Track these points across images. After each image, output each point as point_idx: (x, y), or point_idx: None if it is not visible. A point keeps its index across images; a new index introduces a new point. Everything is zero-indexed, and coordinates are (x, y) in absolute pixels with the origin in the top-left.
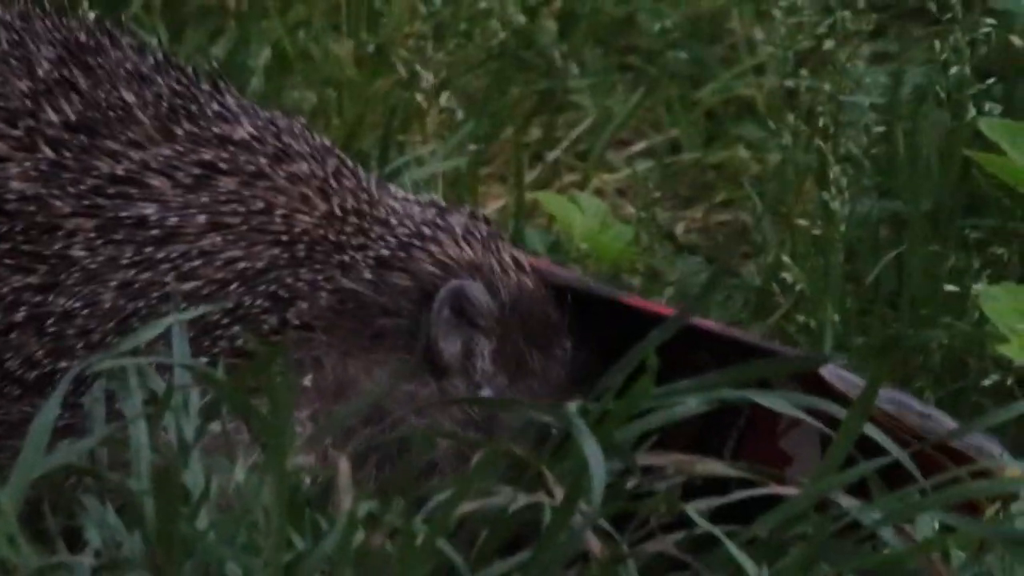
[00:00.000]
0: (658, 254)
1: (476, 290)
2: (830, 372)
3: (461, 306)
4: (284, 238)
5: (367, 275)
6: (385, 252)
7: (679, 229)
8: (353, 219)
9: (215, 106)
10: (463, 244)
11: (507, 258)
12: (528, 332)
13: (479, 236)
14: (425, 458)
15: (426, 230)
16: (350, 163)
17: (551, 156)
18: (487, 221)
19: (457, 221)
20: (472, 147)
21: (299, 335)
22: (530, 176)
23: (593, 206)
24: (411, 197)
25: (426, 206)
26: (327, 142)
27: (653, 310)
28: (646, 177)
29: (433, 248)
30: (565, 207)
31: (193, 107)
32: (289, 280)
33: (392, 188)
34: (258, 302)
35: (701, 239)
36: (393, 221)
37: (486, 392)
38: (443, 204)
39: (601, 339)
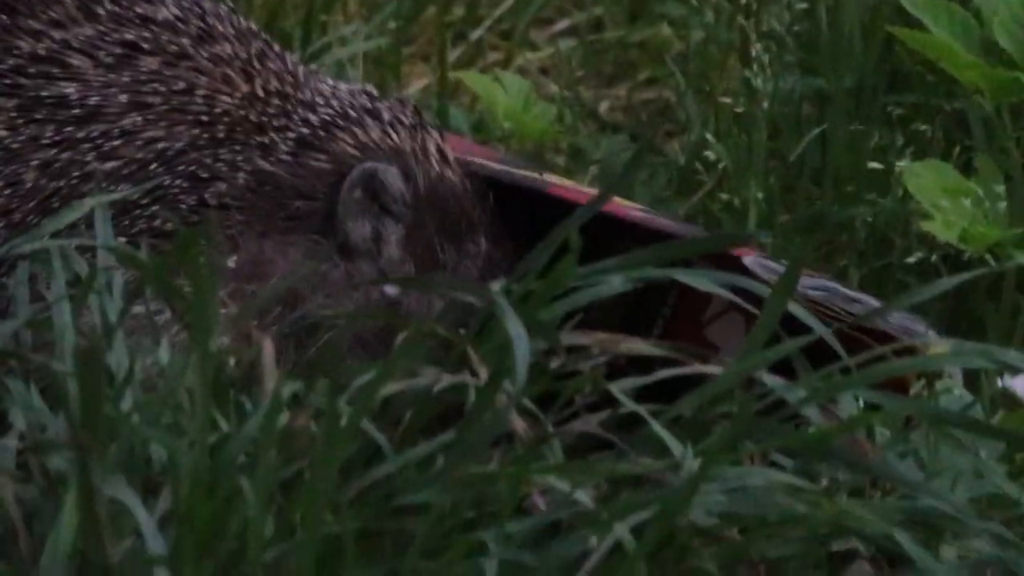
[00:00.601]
0: (582, 132)
1: (390, 174)
2: (753, 262)
3: (374, 189)
4: (204, 118)
5: (285, 156)
6: (305, 131)
7: (603, 107)
8: (276, 101)
9: None
10: (388, 129)
11: (432, 148)
12: (442, 224)
13: (405, 123)
14: (346, 339)
15: (351, 112)
16: (276, 47)
17: (474, 35)
18: (417, 111)
19: (385, 107)
20: (394, 26)
21: (217, 215)
22: (453, 55)
23: (516, 85)
24: (342, 84)
25: (356, 92)
26: (253, 25)
27: (580, 200)
28: (569, 55)
29: (356, 130)
30: (488, 86)
31: None
32: (208, 160)
33: (323, 76)
34: (177, 182)
35: (625, 117)
36: (319, 102)
37: (388, 288)
38: (374, 92)
39: (527, 230)
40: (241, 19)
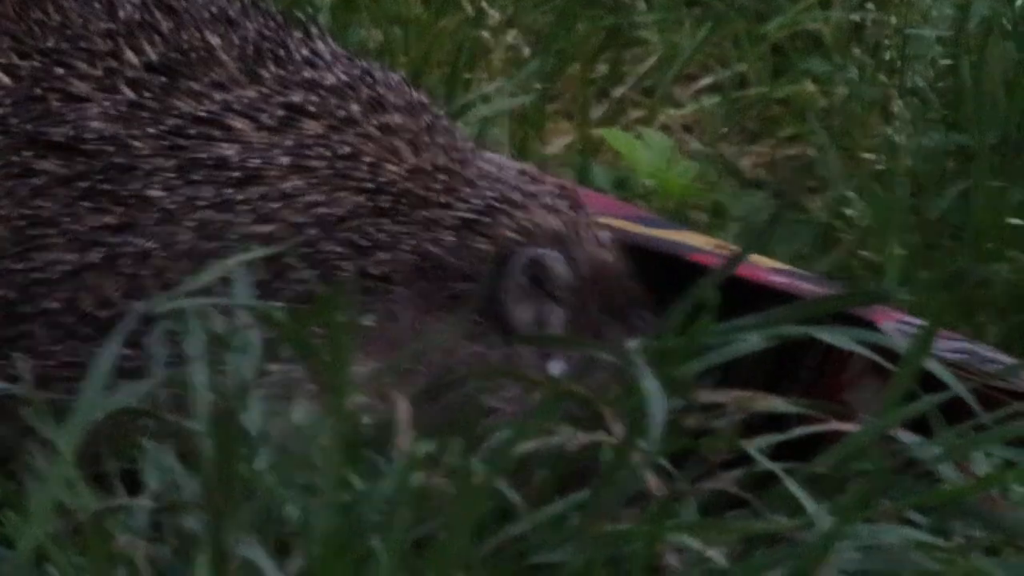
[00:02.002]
0: (724, 189)
1: (554, 259)
2: (892, 328)
3: (537, 274)
4: (369, 186)
5: (448, 236)
6: (470, 215)
7: (745, 164)
8: (442, 176)
9: (305, 51)
10: (548, 213)
11: (586, 232)
12: (606, 304)
13: (564, 207)
14: (486, 404)
15: (514, 196)
16: (446, 121)
17: (617, 92)
18: (574, 195)
19: (544, 190)
20: (538, 84)
21: (375, 285)
22: (596, 112)
23: (659, 142)
24: (504, 161)
25: (518, 173)
26: (424, 98)
27: (717, 263)
28: (712, 112)
29: (518, 215)
30: (631, 143)
31: (281, 51)
32: (370, 230)
33: (486, 152)
34: (336, 248)
35: (767, 174)
36: (482, 184)
37: (554, 363)
38: (534, 172)
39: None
40: (413, 91)
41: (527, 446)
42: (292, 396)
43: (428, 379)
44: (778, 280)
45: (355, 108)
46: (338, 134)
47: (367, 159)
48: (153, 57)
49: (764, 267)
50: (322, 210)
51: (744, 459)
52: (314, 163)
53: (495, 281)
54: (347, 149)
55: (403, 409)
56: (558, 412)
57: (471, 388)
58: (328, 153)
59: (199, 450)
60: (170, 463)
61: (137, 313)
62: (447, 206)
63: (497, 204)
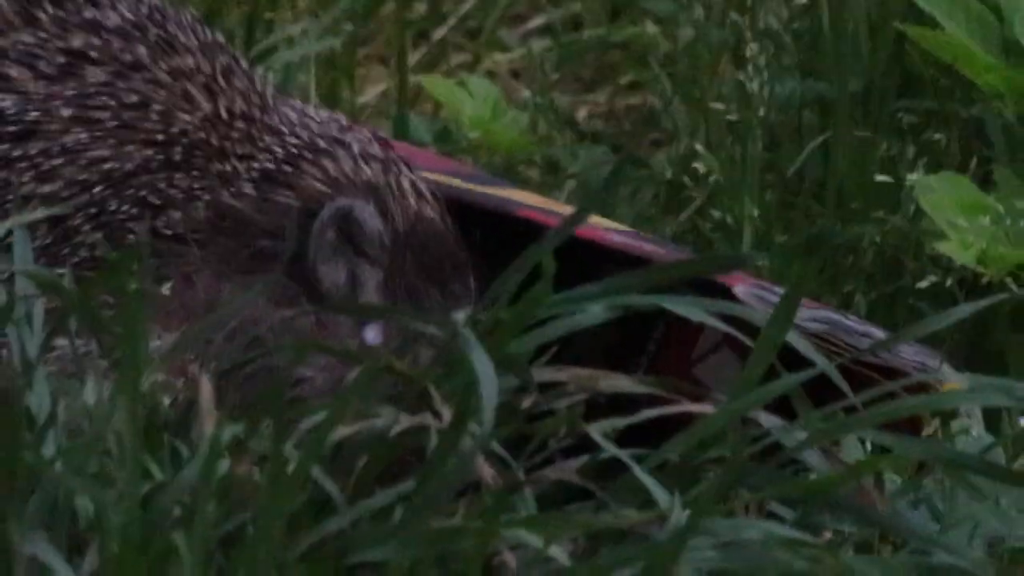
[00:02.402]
0: (557, 143)
1: (365, 212)
2: (746, 292)
3: (349, 229)
4: (159, 137)
5: (248, 189)
6: (270, 165)
7: (581, 115)
8: (240, 124)
9: None
10: (360, 162)
11: (406, 183)
12: (424, 266)
13: (379, 156)
14: (294, 374)
15: (320, 143)
16: (245, 64)
17: (437, 34)
18: (387, 143)
19: (356, 138)
20: (349, 25)
21: (170, 247)
22: (414, 57)
23: (484, 90)
24: (312, 110)
25: (325, 121)
26: (220, 38)
27: (553, 223)
28: (543, 57)
29: (326, 163)
30: (453, 92)
31: None
32: (162, 185)
33: (293, 100)
34: (124, 207)
35: (605, 126)
36: (284, 130)
37: (370, 330)
38: (345, 121)
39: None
40: (207, 30)
41: (345, 430)
42: (81, 374)
43: (231, 352)
44: (620, 240)
45: (142, 51)
46: (124, 81)
47: (157, 107)
48: None
49: (603, 227)
50: (109, 165)
51: (587, 445)
52: (98, 114)
53: (301, 237)
54: (134, 97)
55: (206, 388)
56: (378, 391)
57: (279, 361)
58: (113, 102)
59: None
60: None
61: None
62: (246, 157)
63: (302, 153)
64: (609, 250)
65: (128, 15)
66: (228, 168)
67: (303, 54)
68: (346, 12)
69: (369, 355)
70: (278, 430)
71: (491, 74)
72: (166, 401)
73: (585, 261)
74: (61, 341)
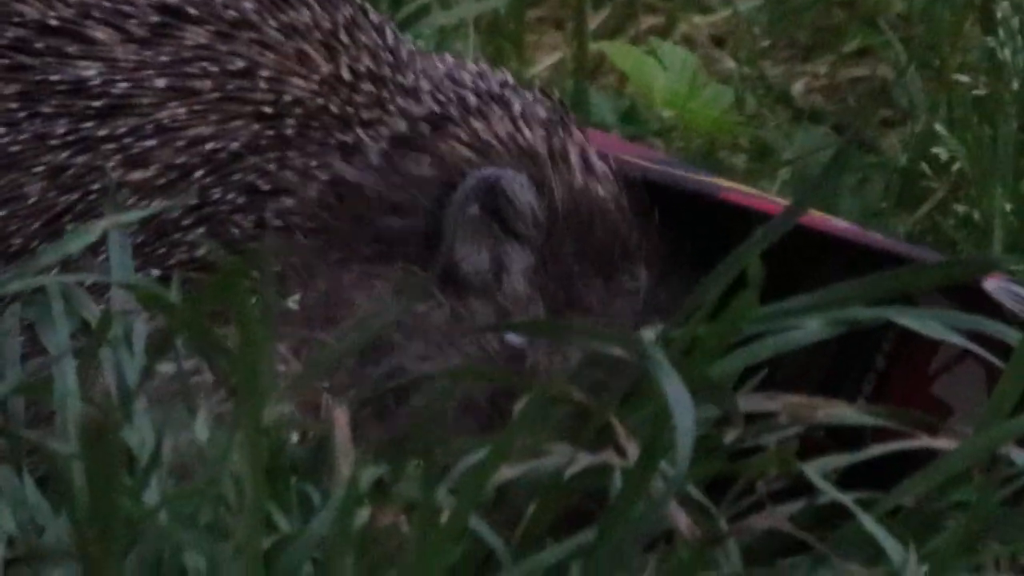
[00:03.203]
0: (769, 123)
1: (518, 184)
2: (998, 289)
3: (495, 203)
4: (268, 110)
5: (375, 160)
6: (403, 126)
7: (797, 89)
8: (367, 86)
9: None
10: (520, 124)
11: (574, 153)
12: (586, 251)
13: (545, 119)
14: (449, 406)
15: (470, 100)
16: (374, 16)
17: None
18: (561, 104)
19: (519, 96)
20: None
21: (281, 240)
22: (595, 20)
23: (680, 60)
24: (464, 65)
25: (482, 75)
26: None
27: (763, 207)
28: (751, 18)
29: (477, 125)
30: (642, 62)
31: None
32: (272, 167)
33: (438, 56)
34: (230, 196)
35: (826, 102)
36: (425, 87)
37: (512, 335)
38: (508, 78)
39: (697, 252)
40: None
41: (509, 471)
42: (191, 404)
43: (370, 377)
44: (846, 228)
45: (248, 6)
46: (227, 43)
47: (265, 73)
48: None
49: (824, 219)
50: (211, 145)
51: (802, 487)
52: (198, 83)
53: (436, 213)
54: (240, 64)
55: (341, 421)
56: (550, 424)
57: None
58: (215, 69)
59: (67, 478)
60: (29, 496)
61: None
62: (374, 122)
63: (446, 111)
64: (830, 240)
65: None
66: (351, 138)
67: (460, 16)
68: None
69: (540, 381)
70: (429, 472)
71: (688, 40)
72: (293, 437)
73: (801, 259)
74: (166, 366)
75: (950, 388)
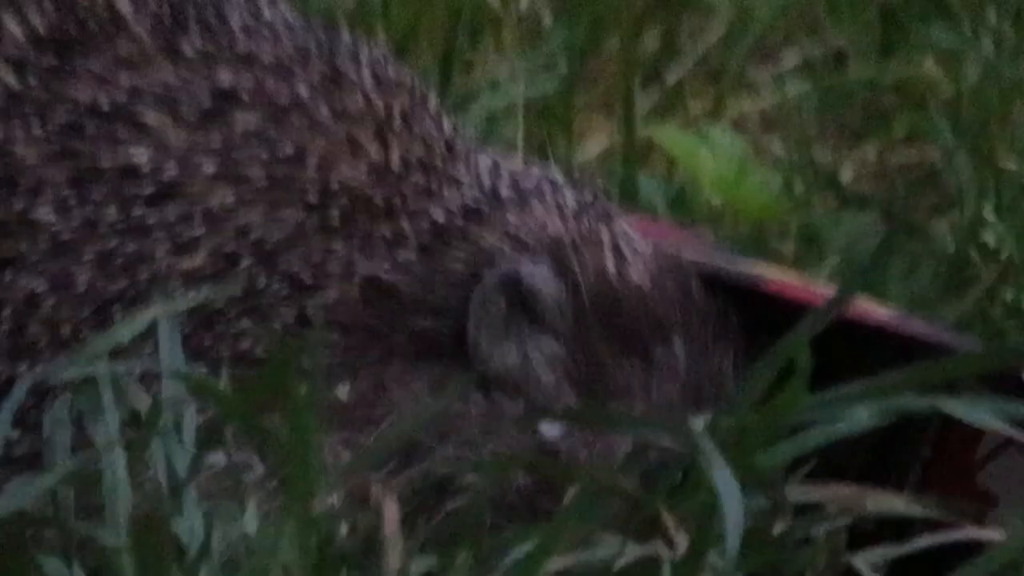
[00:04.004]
0: (817, 208)
1: (539, 274)
2: None
3: (519, 297)
4: (313, 198)
5: (412, 255)
6: (441, 220)
7: (846, 174)
8: (416, 177)
9: (245, 16)
10: (551, 214)
11: (606, 238)
12: (617, 333)
13: (576, 207)
14: (492, 498)
15: (505, 191)
16: (435, 104)
17: (672, 76)
18: (606, 193)
19: (558, 188)
20: (564, 66)
21: (320, 336)
22: (644, 105)
23: (729, 144)
24: (513, 157)
25: (526, 170)
26: (406, 77)
27: (808, 297)
28: (800, 103)
29: (510, 218)
30: (691, 147)
31: (211, 16)
32: (317, 258)
33: (489, 149)
34: (275, 287)
35: (875, 187)
36: (469, 182)
37: (546, 425)
38: (557, 175)
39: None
40: (390, 66)
41: (559, 562)
42: (241, 495)
43: (418, 471)
44: (887, 317)
45: (302, 89)
46: (279, 127)
47: (314, 159)
48: (41, 29)
49: (869, 308)
50: (257, 234)
51: None
52: (247, 170)
53: (463, 309)
54: (289, 149)
55: (391, 512)
56: (599, 514)
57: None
58: (265, 155)
59: (117, 570)
60: None
61: (27, 382)
62: (418, 214)
63: (480, 205)
64: (872, 331)
65: (289, 46)
66: (395, 230)
67: (510, 101)
68: (562, 49)
69: (585, 470)
70: (479, 563)
71: (737, 124)
72: (343, 529)
73: (846, 349)
74: (216, 456)
75: (995, 478)
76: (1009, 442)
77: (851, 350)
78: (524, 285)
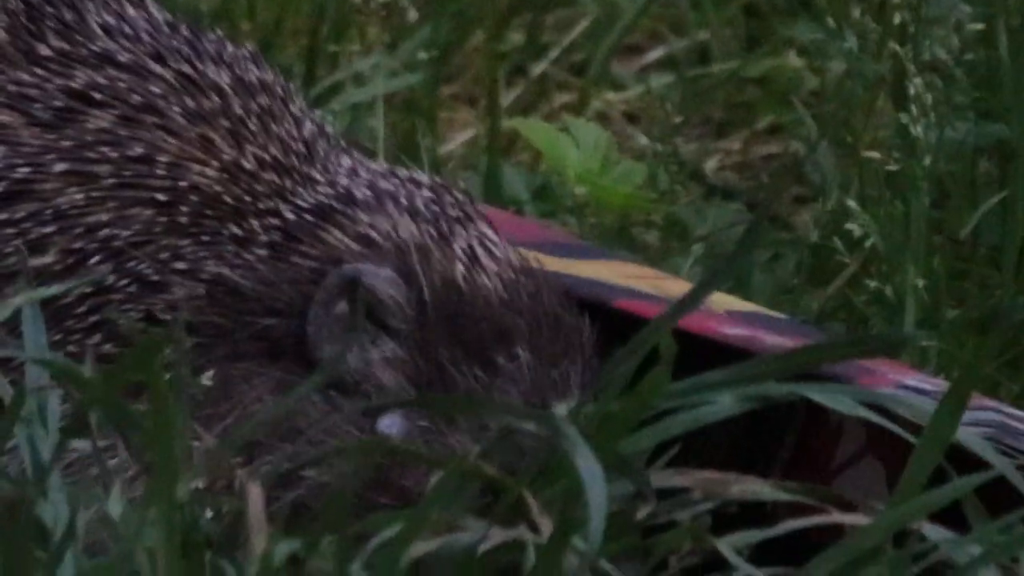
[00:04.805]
0: (681, 199)
1: (381, 275)
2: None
3: (358, 298)
4: (162, 197)
5: (259, 253)
6: (292, 217)
7: (709, 166)
8: (269, 176)
9: (102, 15)
10: (403, 217)
11: (460, 243)
12: (460, 338)
13: (435, 210)
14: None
15: (361, 194)
16: (300, 107)
17: (536, 69)
18: (468, 197)
19: (415, 191)
20: (428, 57)
21: (182, 322)
22: (508, 97)
23: (593, 137)
24: (378, 164)
25: (383, 171)
26: (269, 76)
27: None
28: (664, 95)
29: (361, 217)
30: (556, 139)
31: (70, 16)
32: (165, 255)
33: (350, 151)
34: (122, 283)
35: (739, 179)
36: (321, 179)
37: (388, 420)
38: (420, 176)
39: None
40: (253, 66)
41: (423, 546)
42: (105, 480)
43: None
44: (734, 334)
45: (155, 90)
46: (129, 127)
47: (164, 159)
48: None
49: (720, 312)
50: (105, 232)
51: (716, 563)
52: (96, 168)
53: (306, 311)
54: (139, 149)
55: (255, 496)
56: (462, 499)
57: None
58: (115, 154)
59: None
60: None
61: None
62: (268, 213)
63: (333, 205)
64: (723, 346)
65: (149, 46)
66: (244, 229)
67: (374, 94)
68: (426, 43)
69: (453, 457)
70: (342, 547)
71: (601, 117)
72: (208, 513)
73: (696, 356)
74: (80, 441)
75: (850, 485)
76: (863, 450)
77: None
78: (365, 285)
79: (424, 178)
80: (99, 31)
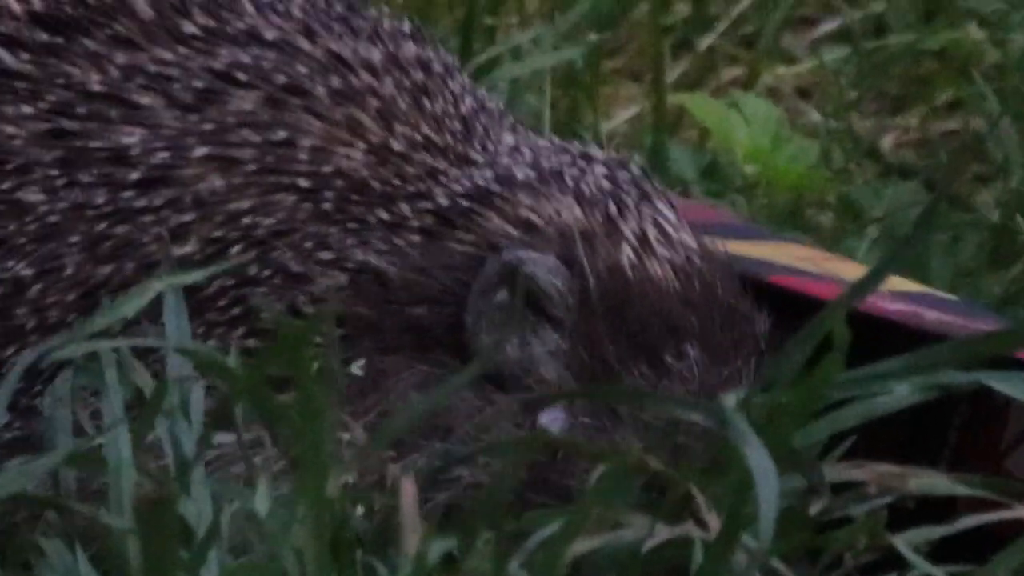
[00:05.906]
0: (857, 179)
1: (542, 266)
2: None
3: (520, 287)
4: (305, 183)
5: (414, 238)
6: (445, 202)
7: (886, 143)
8: (422, 156)
9: None
10: (570, 198)
11: (630, 226)
12: (626, 332)
13: (605, 189)
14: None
15: (521, 173)
16: (459, 81)
17: (703, 43)
18: (644, 175)
19: (585, 170)
20: (592, 33)
21: (331, 311)
22: (674, 72)
23: (764, 113)
24: (548, 142)
25: (551, 148)
26: (428, 49)
27: (812, 292)
28: (838, 70)
29: (523, 200)
30: (724, 115)
31: None
32: (309, 245)
33: (515, 127)
34: (266, 274)
35: (917, 157)
36: (479, 159)
37: (549, 414)
38: (593, 151)
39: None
40: (410, 42)
41: (585, 544)
42: (251, 476)
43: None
44: (895, 308)
45: (302, 69)
46: (273, 109)
47: (308, 142)
48: (37, 5)
49: (895, 292)
50: (247, 220)
51: (893, 560)
52: (237, 152)
53: (464, 297)
54: (282, 132)
55: (408, 493)
56: (627, 495)
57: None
58: (257, 137)
59: (121, 553)
60: (82, 571)
61: (24, 363)
62: (419, 196)
63: (492, 188)
64: (886, 324)
65: (299, 23)
66: (394, 214)
67: (534, 68)
68: (589, 16)
69: (613, 449)
70: (500, 545)
71: (772, 93)
72: (358, 510)
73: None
74: (225, 436)
75: (1017, 467)
76: None
77: (865, 344)
78: (526, 273)
79: (598, 153)
80: (249, 7)
